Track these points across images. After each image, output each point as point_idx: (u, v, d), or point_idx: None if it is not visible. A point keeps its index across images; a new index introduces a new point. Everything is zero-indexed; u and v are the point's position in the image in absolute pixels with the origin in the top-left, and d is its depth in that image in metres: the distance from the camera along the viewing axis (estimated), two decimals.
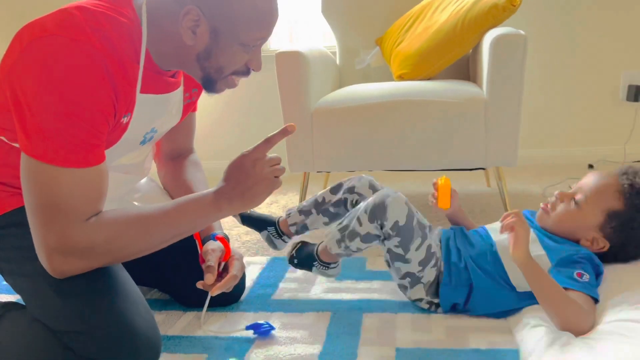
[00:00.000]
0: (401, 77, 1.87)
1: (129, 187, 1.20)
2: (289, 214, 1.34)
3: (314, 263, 1.21)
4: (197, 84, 1.10)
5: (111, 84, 0.90)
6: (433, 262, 1.12)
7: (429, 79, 1.84)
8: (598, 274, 1.06)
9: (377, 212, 1.08)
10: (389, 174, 1.98)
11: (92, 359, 0.89)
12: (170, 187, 1.31)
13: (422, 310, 1.17)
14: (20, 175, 0.90)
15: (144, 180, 1.27)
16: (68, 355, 0.90)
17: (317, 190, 1.39)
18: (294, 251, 1.26)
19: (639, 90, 2.45)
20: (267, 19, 0.95)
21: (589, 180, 1.13)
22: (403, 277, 1.14)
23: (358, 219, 1.11)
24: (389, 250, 1.12)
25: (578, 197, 1.11)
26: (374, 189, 1.32)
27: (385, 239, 1.11)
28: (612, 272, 1.09)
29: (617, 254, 1.10)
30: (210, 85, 1.02)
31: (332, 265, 1.21)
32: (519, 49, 1.52)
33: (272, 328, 1.12)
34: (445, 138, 1.62)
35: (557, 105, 2.55)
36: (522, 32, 1.55)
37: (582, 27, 2.45)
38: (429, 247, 1.11)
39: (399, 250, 1.10)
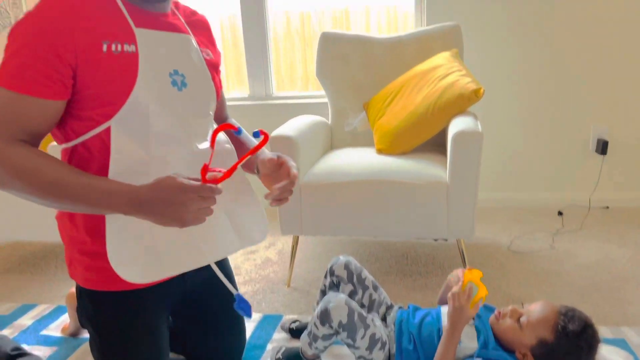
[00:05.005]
0: (380, 151, 2.13)
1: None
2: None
3: None
4: (207, 42, 1.22)
5: (66, 22, 0.95)
6: (379, 345, 1.40)
7: (404, 153, 2.10)
8: None
9: (324, 317, 1.37)
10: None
11: None
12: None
13: None
14: None
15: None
16: None
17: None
18: (279, 354, 1.55)
19: (606, 145, 2.68)
20: None
21: (537, 308, 1.37)
22: (358, 359, 1.43)
23: (314, 324, 1.40)
24: (342, 341, 1.40)
25: (523, 319, 1.36)
26: (348, 269, 1.60)
27: (337, 334, 1.39)
28: None
29: None
30: None
31: None
32: (475, 145, 1.77)
33: None
34: (414, 213, 1.88)
35: (533, 152, 2.79)
36: (479, 128, 1.80)
37: (559, 81, 2.68)
38: (373, 335, 1.39)
39: (349, 341, 1.38)
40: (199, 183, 0.92)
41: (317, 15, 2.97)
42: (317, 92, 2.98)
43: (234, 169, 0.95)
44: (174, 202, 0.91)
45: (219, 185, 0.94)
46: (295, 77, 3.08)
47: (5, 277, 2.30)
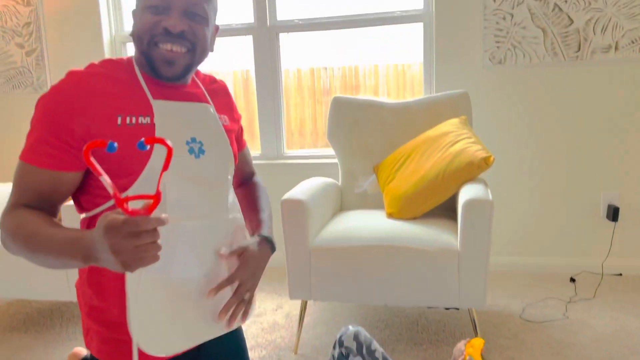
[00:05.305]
0: (391, 215, 2.13)
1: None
2: None
3: None
4: (225, 108, 1.25)
5: (81, 99, 1.00)
6: None
7: (414, 218, 2.10)
8: None
9: None
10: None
11: None
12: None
13: None
14: None
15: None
16: None
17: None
18: None
19: (617, 211, 2.67)
20: None
21: None
22: None
23: None
24: None
25: None
26: (357, 340, 1.57)
27: None
28: None
29: None
30: (150, 61, 1.07)
31: None
32: (486, 213, 1.77)
33: None
34: (424, 280, 1.86)
35: (543, 217, 2.78)
36: (490, 197, 1.81)
37: (568, 147, 2.71)
38: None
39: None
40: (126, 217, 0.79)
41: (327, 72, 3.05)
42: (327, 152, 3.03)
43: (159, 193, 0.81)
44: (105, 245, 0.81)
45: (163, 215, 0.81)
46: (305, 131, 3.13)
47: (10, 336, 2.27)
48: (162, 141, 0.81)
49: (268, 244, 1.22)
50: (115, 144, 0.77)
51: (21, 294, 2.24)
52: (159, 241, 0.82)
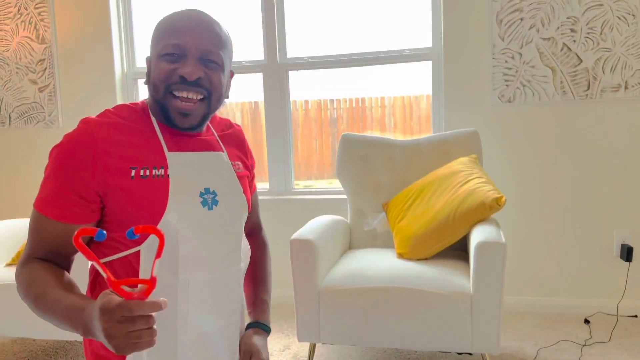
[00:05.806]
0: (401, 255, 2.10)
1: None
2: None
3: None
4: (239, 154, 1.23)
5: (94, 150, 0.99)
6: None
7: (425, 258, 2.07)
8: None
9: None
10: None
11: None
12: None
13: None
14: None
15: None
16: None
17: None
18: None
19: (631, 251, 2.62)
20: (170, 30, 1.03)
21: None
22: None
23: None
24: None
25: None
26: None
27: None
28: None
29: None
30: (165, 111, 1.05)
31: None
32: (499, 256, 1.74)
33: None
34: (436, 324, 1.82)
35: (555, 257, 2.73)
36: (502, 239, 1.78)
37: (580, 186, 2.68)
38: None
39: None
40: (120, 301, 0.76)
41: (335, 104, 3.07)
42: (336, 188, 3.02)
43: (154, 278, 0.78)
44: (99, 327, 0.77)
45: (161, 299, 0.77)
46: (312, 162, 3.13)
47: None
48: (153, 230, 0.78)
49: (265, 331, 1.22)
50: (104, 232, 0.76)
51: (25, 332, 2.21)
52: (155, 326, 0.78)
